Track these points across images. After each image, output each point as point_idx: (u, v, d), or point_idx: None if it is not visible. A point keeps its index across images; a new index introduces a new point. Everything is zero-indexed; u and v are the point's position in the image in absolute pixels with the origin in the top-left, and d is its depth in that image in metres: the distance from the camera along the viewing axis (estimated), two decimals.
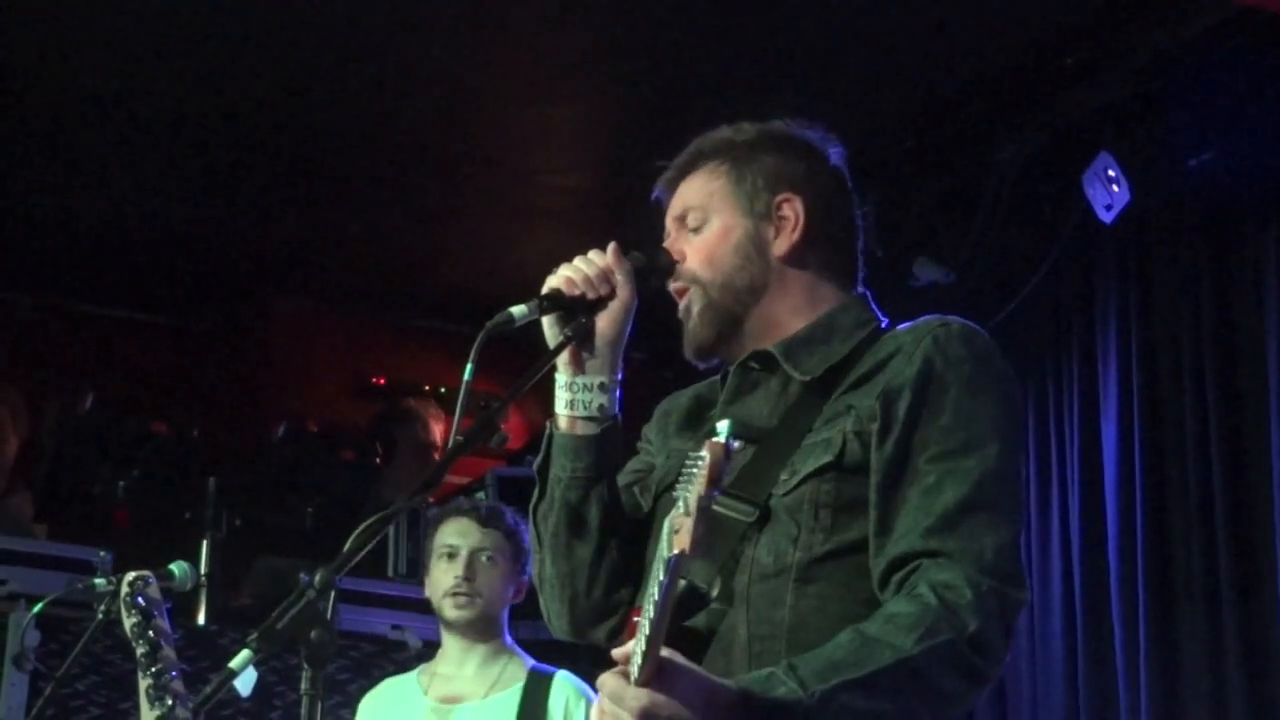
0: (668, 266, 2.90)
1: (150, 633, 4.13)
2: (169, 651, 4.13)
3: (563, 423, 2.84)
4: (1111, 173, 6.04)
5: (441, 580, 4.98)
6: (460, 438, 2.62)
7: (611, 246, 2.86)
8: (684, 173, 2.97)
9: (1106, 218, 6.12)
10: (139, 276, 8.41)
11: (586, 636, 2.90)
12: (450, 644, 5.02)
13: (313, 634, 2.46)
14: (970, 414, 2.67)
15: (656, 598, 2.30)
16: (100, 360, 8.49)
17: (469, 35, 6.28)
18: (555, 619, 2.91)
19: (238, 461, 7.32)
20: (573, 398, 2.82)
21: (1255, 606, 5.78)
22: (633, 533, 2.87)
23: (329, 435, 7.66)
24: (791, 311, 2.87)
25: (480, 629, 4.96)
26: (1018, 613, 2.63)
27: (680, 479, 2.27)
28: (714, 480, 2.20)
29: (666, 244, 2.93)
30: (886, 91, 6.50)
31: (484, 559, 4.96)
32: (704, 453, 2.21)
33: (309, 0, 6.08)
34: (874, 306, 2.93)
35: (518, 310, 2.75)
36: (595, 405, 2.82)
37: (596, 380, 2.82)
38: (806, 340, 2.83)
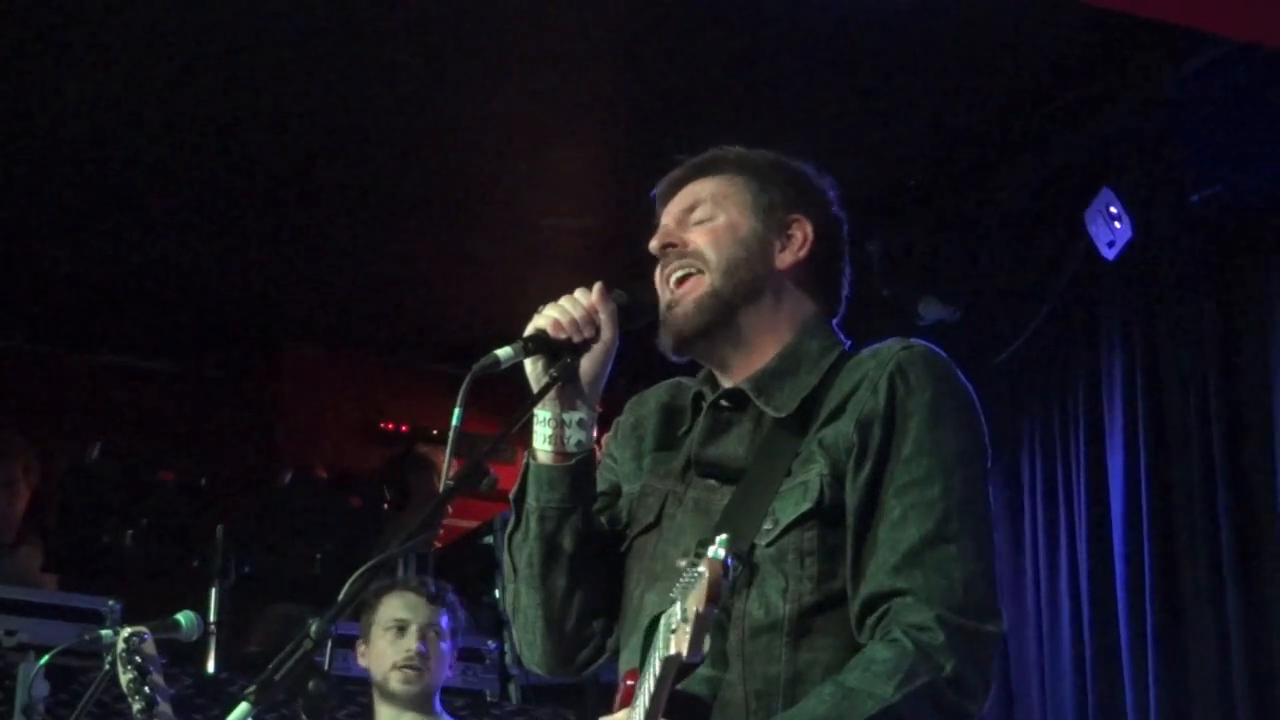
0: (651, 305, 2.88)
1: (146, 689, 4.15)
2: (165, 707, 4.15)
3: (540, 455, 2.84)
4: (1114, 209, 6.05)
5: (388, 653, 5.04)
6: (450, 482, 2.62)
7: (597, 287, 2.85)
8: (698, 174, 2.97)
9: (1109, 254, 6.12)
10: (148, 324, 8.44)
11: (558, 669, 2.90)
12: (383, 715, 5.08)
13: (310, 684, 2.47)
14: (933, 443, 2.68)
15: (651, 686, 2.42)
16: (108, 409, 8.50)
17: (475, 82, 6.31)
18: (527, 650, 2.91)
19: (246, 509, 7.31)
20: (551, 432, 2.82)
21: (1261, 633, 5.77)
22: (606, 564, 2.87)
23: (337, 481, 7.65)
24: (775, 326, 2.86)
25: (420, 702, 5.07)
26: (993, 646, 2.65)
27: (679, 583, 2.38)
28: (713, 599, 2.32)
29: (661, 235, 2.91)
30: (889, 131, 6.53)
31: (433, 634, 5.07)
32: (702, 568, 2.32)
33: (319, 50, 6.11)
34: (836, 330, 2.92)
35: (503, 352, 2.75)
36: (574, 440, 2.83)
37: (576, 416, 2.83)
38: (776, 373, 2.82)
